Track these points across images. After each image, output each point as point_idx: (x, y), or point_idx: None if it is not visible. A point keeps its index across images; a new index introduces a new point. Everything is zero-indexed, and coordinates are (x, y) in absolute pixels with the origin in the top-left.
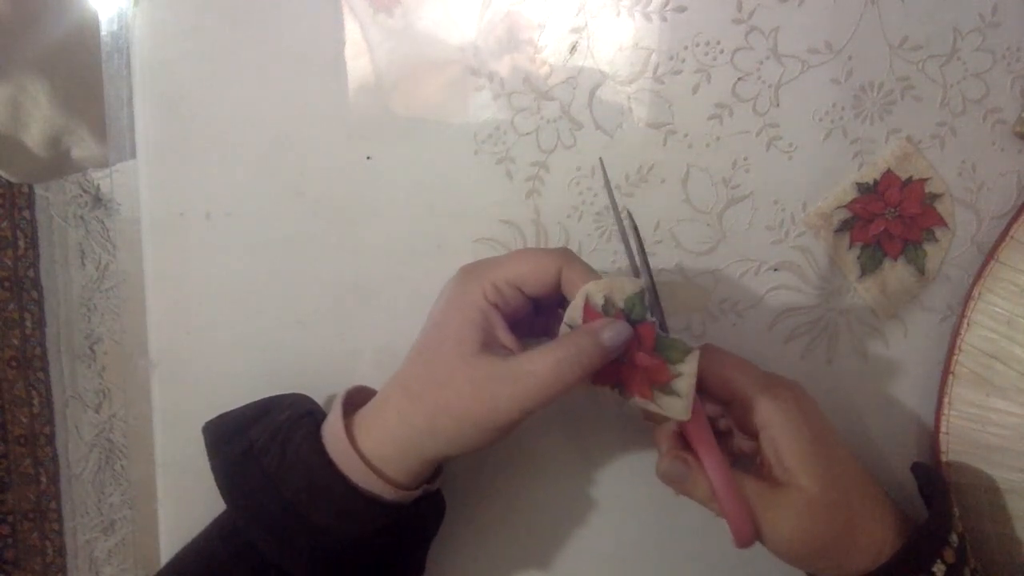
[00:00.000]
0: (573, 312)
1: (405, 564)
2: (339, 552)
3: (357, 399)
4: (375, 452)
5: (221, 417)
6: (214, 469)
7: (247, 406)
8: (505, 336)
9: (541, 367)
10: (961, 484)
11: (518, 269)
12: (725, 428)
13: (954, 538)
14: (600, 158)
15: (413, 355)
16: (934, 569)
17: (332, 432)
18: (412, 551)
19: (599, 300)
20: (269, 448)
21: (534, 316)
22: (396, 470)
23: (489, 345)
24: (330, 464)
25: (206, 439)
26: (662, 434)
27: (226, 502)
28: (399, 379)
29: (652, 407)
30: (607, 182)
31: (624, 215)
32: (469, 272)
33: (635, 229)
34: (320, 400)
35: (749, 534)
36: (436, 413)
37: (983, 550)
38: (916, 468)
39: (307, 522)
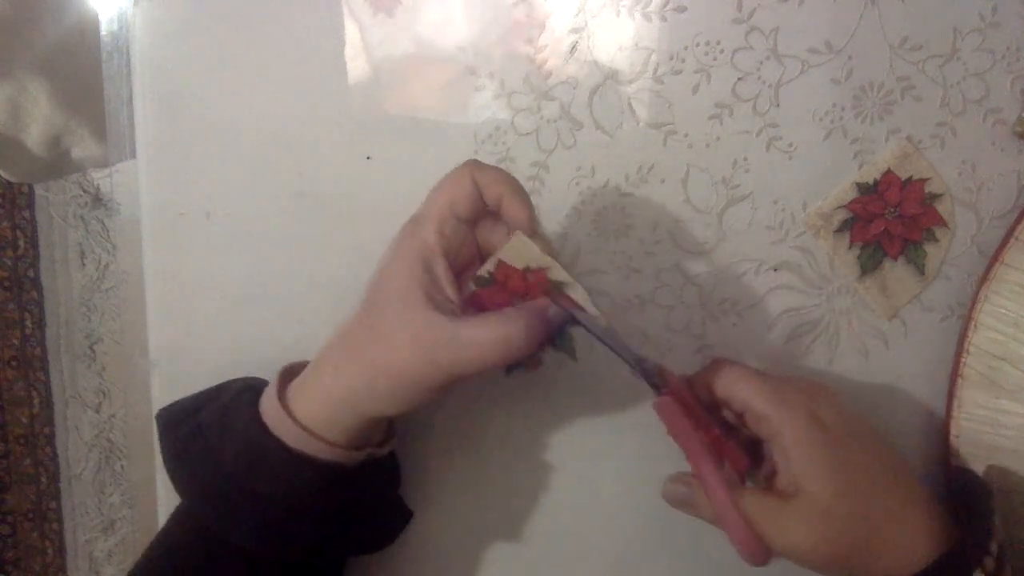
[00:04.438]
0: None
1: (362, 533)
2: (285, 520)
3: (300, 370)
4: (309, 413)
5: (173, 404)
6: (163, 453)
7: (200, 392)
8: (450, 289)
9: (487, 339)
10: None
11: (443, 198)
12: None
13: (994, 547)
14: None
15: (358, 310)
16: None
17: (267, 398)
18: (366, 519)
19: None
20: (212, 425)
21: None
22: (332, 430)
23: (434, 298)
24: (264, 429)
25: (158, 425)
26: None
27: (174, 484)
28: (340, 334)
29: None
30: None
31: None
32: (411, 222)
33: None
34: None
35: (758, 551)
36: (373, 369)
37: None
38: (956, 472)
39: (249, 491)
